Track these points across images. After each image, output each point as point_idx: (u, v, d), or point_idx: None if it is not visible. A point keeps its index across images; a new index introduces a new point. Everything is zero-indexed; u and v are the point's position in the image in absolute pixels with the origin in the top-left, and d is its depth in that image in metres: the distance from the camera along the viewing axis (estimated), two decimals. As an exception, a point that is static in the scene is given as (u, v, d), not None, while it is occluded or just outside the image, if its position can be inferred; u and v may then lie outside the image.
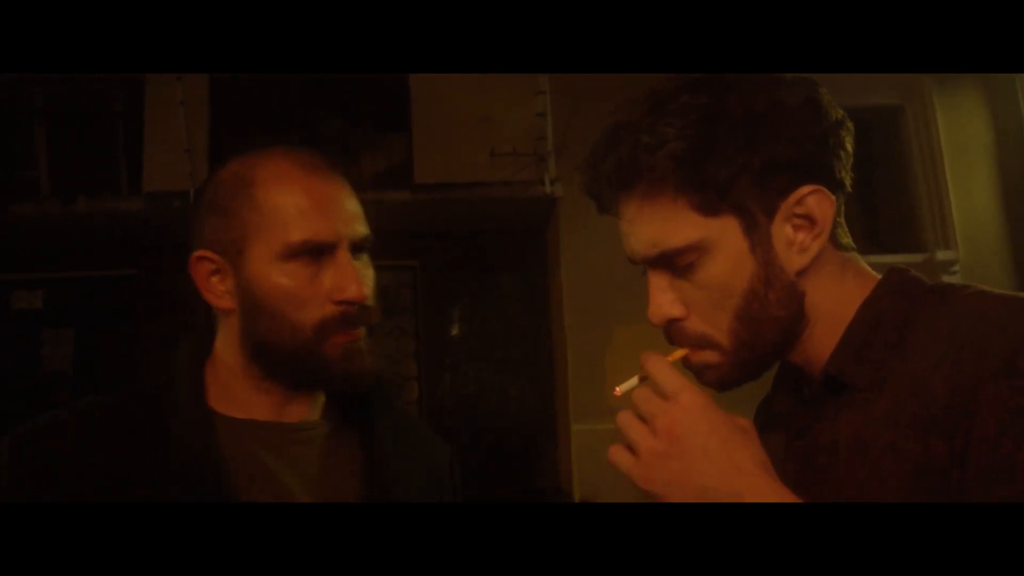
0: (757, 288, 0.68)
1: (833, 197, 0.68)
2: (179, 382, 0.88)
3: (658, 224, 0.69)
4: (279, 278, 0.82)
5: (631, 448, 0.68)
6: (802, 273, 0.69)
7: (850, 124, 0.70)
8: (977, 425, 0.57)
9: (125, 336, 7.22)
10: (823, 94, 0.69)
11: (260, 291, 0.83)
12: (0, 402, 7.07)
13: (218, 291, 0.87)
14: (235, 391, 0.89)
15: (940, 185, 6.76)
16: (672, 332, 0.74)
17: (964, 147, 6.90)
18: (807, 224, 0.68)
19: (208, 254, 0.87)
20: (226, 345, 0.91)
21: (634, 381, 0.74)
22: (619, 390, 0.76)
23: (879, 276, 0.72)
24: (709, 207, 0.67)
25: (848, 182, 0.70)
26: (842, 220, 0.72)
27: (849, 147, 0.70)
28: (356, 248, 0.89)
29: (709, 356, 0.72)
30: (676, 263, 0.69)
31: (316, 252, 0.83)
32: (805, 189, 0.67)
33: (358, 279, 0.84)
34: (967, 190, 6.83)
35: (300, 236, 0.81)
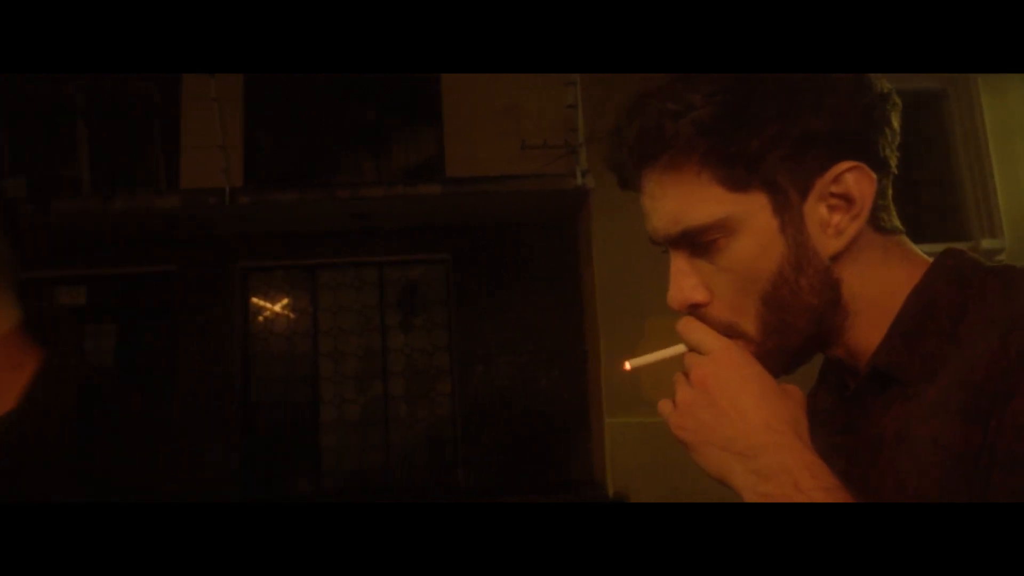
0: (786, 272, 0.62)
1: (874, 175, 0.62)
2: None
3: (681, 199, 0.63)
4: None
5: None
6: (837, 258, 0.63)
7: (897, 99, 0.64)
8: (1012, 407, 0.52)
9: (165, 331, 7.38)
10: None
11: None
12: (46, 395, 7.29)
13: None
14: None
15: (985, 171, 6.57)
16: (688, 318, 0.69)
17: (1010, 132, 6.69)
18: (844, 204, 0.62)
19: None
20: None
21: (651, 356, 0.72)
22: (629, 364, 0.73)
23: (930, 260, 0.65)
24: (736, 182, 0.61)
25: (893, 162, 0.64)
26: (888, 202, 0.66)
27: (895, 124, 0.64)
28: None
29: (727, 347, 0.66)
30: (699, 242, 0.64)
31: None
32: (843, 165, 0.61)
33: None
34: (1013, 176, 6.62)
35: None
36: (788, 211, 0.62)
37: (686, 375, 0.67)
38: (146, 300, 7.55)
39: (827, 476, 0.59)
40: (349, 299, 7.57)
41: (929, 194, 6.78)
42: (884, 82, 0.64)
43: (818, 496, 0.57)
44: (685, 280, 0.67)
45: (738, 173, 0.61)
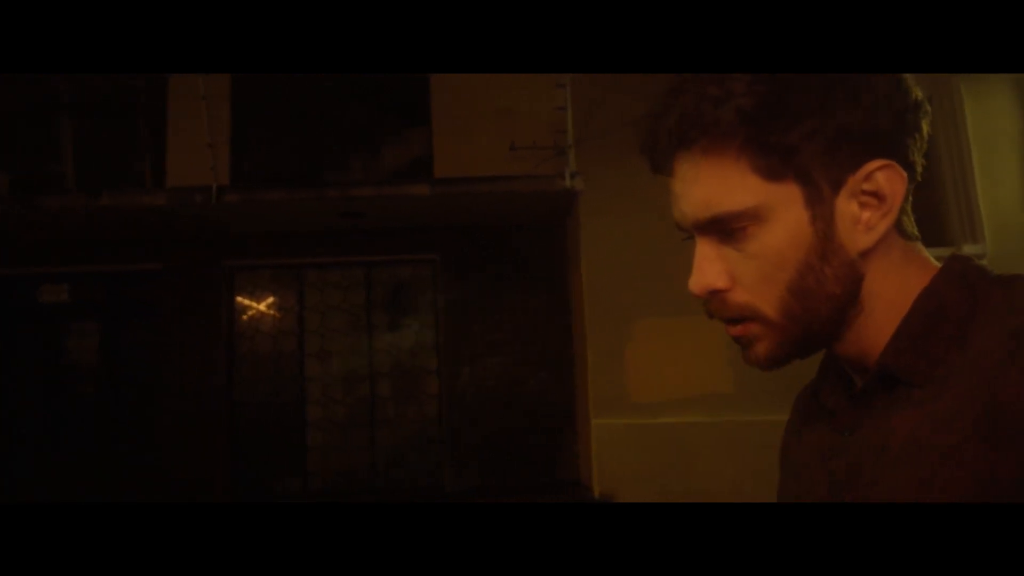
0: (813, 261, 0.63)
1: (905, 175, 0.64)
2: None
3: (715, 185, 0.63)
4: None
5: None
6: (866, 254, 0.64)
7: (928, 107, 0.66)
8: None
9: (150, 330, 7.33)
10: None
11: None
12: (26, 393, 7.21)
13: None
14: None
15: (967, 177, 6.65)
16: (712, 304, 0.68)
17: (992, 138, 6.77)
18: (875, 201, 0.63)
19: None
20: None
21: None
22: None
23: (936, 263, 0.67)
24: (772, 172, 0.62)
25: (919, 168, 0.66)
26: (909, 208, 0.67)
27: (925, 131, 0.66)
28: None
29: (753, 328, 0.66)
30: (728, 229, 0.64)
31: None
32: (876, 163, 0.62)
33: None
34: (995, 182, 6.70)
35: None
36: (820, 204, 0.63)
37: None
38: (131, 298, 7.49)
39: None
40: (336, 299, 7.55)
41: (912, 199, 6.84)
42: (918, 90, 0.65)
43: None
44: (710, 266, 0.66)
45: (774, 163, 0.62)
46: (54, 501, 5.25)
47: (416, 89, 7.18)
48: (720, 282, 0.66)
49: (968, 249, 6.39)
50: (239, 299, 7.59)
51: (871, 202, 0.63)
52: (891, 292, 0.66)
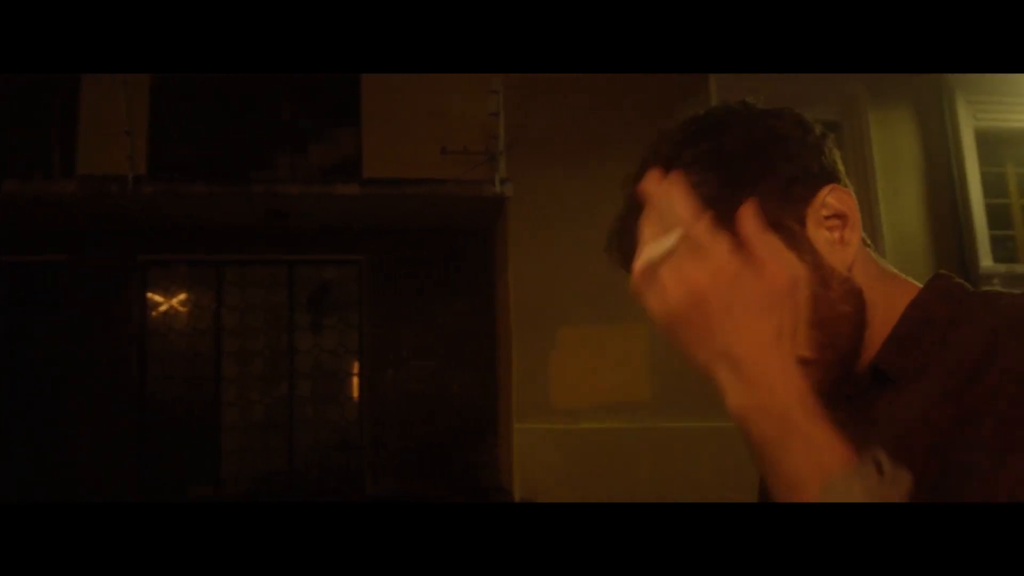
0: (817, 291, 0.68)
1: (850, 190, 0.71)
2: None
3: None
4: None
5: None
6: (852, 268, 0.70)
7: (831, 136, 0.75)
8: (987, 379, 0.60)
9: (56, 325, 6.94)
10: (802, 114, 0.73)
11: None
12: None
13: None
14: None
15: (871, 200, 7.03)
16: None
17: (896, 164, 7.20)
18: (838, 221, 0.71)
19: None
20: None
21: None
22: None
23: (906, 276, 0.75)
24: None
25: (849, 186, 0.74)
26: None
27: (838, 155, 0.74)
28: None
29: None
30: None
31: None
32: (824, 191, 0.70)
33: None
34: (897, 207, 7.13)
35: None
36: (798, 241, 0.69)
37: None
38: (36, 292, 7.08)
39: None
40: (257, 297, 7.34)
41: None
42: (818, 125, 0.74)
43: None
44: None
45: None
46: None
47: (346, 87, 7.08)
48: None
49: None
50: (152, 295, 7.29)
51: (835, 223, 0.71)
52: (880, 302, 0.72)
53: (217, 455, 7.03)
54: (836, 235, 0.70)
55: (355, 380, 7.34)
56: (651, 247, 0.65)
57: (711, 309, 0.63)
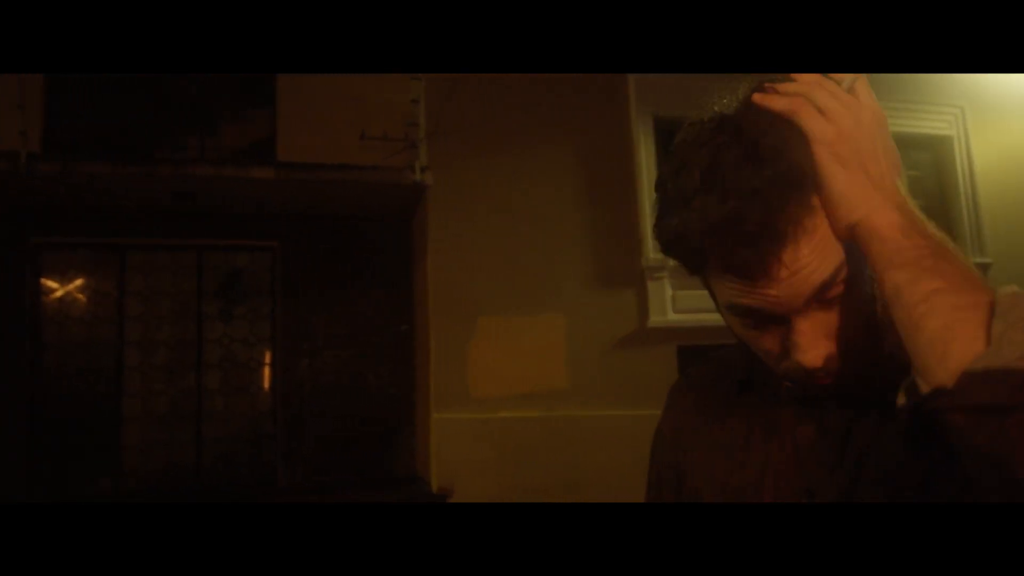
0: (877, 291, 0.67)
1: None
2: None
3: (807, 256, 0.65)
4: None
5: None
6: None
7: None
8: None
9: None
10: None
11: None
12: None
13: None
14: None
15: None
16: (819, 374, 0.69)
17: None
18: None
19: None
20: None
21: None
22: None
23: None
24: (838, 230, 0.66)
25: None
26: None
27: None
28: None
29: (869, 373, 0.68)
30: (826, 297, 0.66)
31: None
32: None
33: None
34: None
35: None
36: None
37: None
38: (-89, 274, 6.54)
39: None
40: (163, 284, 7.02)
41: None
42: None
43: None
44: (820, 340, 0.68)
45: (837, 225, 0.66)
46: None
47: (261, 67, 6.82)
48: (834, 348, 0.68)
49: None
50: (46, 281, 6.86)
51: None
52: None
53: (117, 448, 6.70)
54: None
55: (267, 370, 7.14)
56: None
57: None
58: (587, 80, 6.70)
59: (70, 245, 6.85)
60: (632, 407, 6.53)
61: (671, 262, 5.72)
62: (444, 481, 6.07)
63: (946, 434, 0.57)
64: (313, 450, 6.88)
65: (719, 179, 0.63)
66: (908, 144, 7.61)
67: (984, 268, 7.70)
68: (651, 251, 6.76)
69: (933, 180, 7.95)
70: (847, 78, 0.67)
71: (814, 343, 0.67)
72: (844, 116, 0.64)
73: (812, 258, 0.65)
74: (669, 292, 6.81)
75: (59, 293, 6.91)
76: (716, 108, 0.69)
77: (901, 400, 0.61)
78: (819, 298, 0.66)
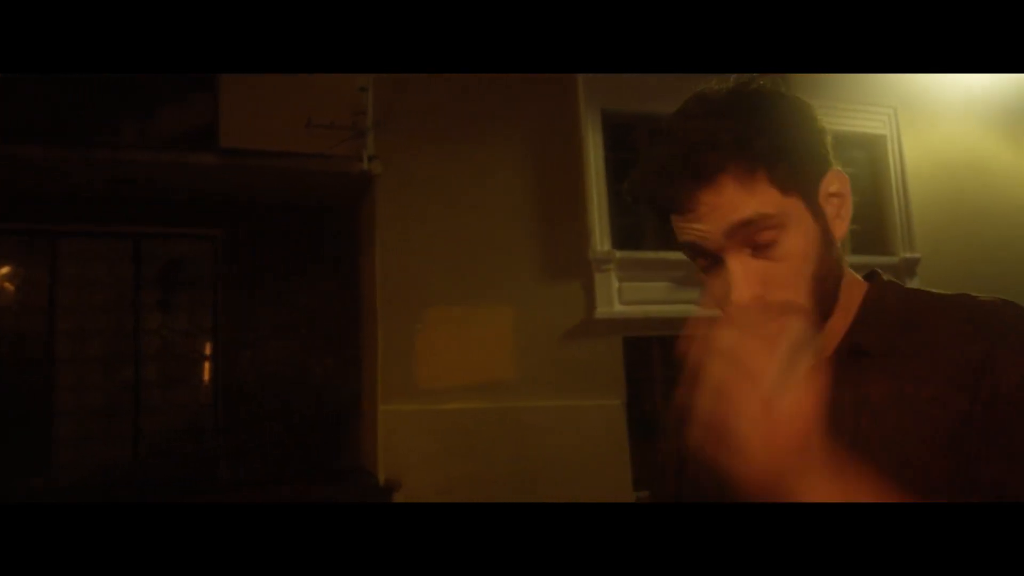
0: (823, 251, 0.81)
1: (846, 175, 0.86)
2: None
3: (742, 196, 0.77)
4: None
5: None
6: (839, 240, 0.85)
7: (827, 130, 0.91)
8: (1001, 381, 0.74)
9: None
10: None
11: None
12: None
13: None
14: None
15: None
16: (753, 311, 0.77)
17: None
18: (838, 200, 0.85)
19: None
20: None
21: None
22: None
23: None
24: (784, 185, 0.79)
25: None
26: None
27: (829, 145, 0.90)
28: None
29: (794, 324, 0.75)
30: (757, 241, 0.78)
31: None
32: (832, 172, 0.85)
33: None
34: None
35: None
36: (815, 208, 0.82)
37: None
38: None
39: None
40: (99, 273, 6.78)
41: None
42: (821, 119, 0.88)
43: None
44: (749, 277, 0.79)
45: (783, 175, 0.79)
46: None
47: (203, 50, 6.63)
48: (760, 288, 0.79)
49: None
50: (-28, 268, 6.55)
51: (835, 201, 0.85)
52: (845, 286, 0.87)
53: (48, 443, 6.45)
54: (838, 210, 0.85)
55: (208, 362, 6.97)
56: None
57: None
58: (537, 74, 6.72)
59: (-3, 231, 6.55)
60: (579, 398, 6.61)
61: (618, 254, 5.83)
62: (391, 474, 6.04)
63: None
64: (256, 444, 6.75)
65: (664, 133, 0.80)
66: (845, 142, 7.85)
67: (913, 263, 8.03)
68: (598, 243, 6.84)
69: (868, 177, 8.24)
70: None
71: (747, 284, 0.79)
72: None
73: (733, 197, 0.77)
74: (616, 284, 6.90)
75: (-15, 281, 6.60)
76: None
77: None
78: (747, 240, 0.79)
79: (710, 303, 0.84)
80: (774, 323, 0.77)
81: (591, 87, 7.05)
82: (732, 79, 0.84)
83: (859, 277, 0.93)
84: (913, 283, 7.96)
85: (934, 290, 0.89)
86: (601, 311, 6.76)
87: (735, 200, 0.77)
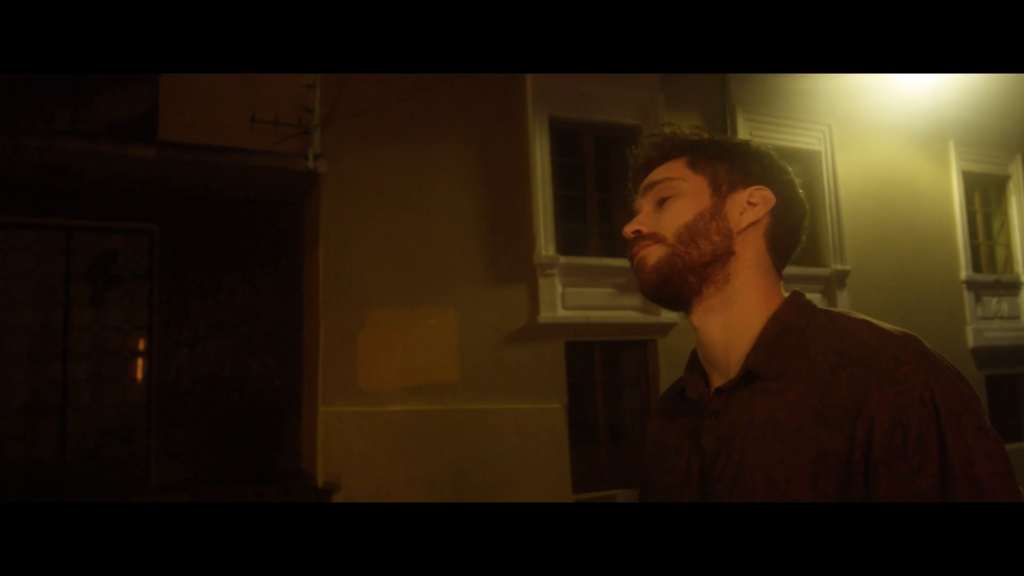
0: (705, 215, 0.99)
1: (772, 196, 1.01)
2: None
3: (667, 168, 1.04)
4: None
5: None
6: (740, 235, 0.99)
7: (785, 167, 1.13)
8: (877, 421, 0.79)
9: None
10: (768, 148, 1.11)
11: None
12: None
13: None
14: None
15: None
16: (633, 241, 1.01)
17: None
18: (751, 207, 1.00)
19: None
20: None
21: None
22: None
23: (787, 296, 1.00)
24: (695, 167, 1.02)
25: (797, 208, 1.07)
26: (786, 249, 1.04)
27: (787, 177, 1.11)
28: None
29: (655, 249, 0.98)
30: (661, 198, 1.02)
31: None
32: (754, 187, 1.01)
33: None
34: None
35: None
36: (718, 194, 1.01)
37: None
38: None
39: None
40: (26, 265, 6.50)
41: (793, 246, 7.69)
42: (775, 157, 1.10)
43: None
44: (642, 219, 1.02)
45: (700, 163, 1.03)
46: None
47: (143, 39, 6.43)
48: (643, 228, 1.01)
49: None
50: None
51: (749, 207, 1.00)
52: (752, 299, 0.97)
53: (-33, 443, 6.15)
54: (748, 208, 1.00)
55: (142, 360, 6.75)
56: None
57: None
58: (486, 76, 6.74)
59: (-85, 219, 6.23)
60: (521, 400, 6.64)
61: (562, 259, 5.93)
62: (330, 475, 5.96)
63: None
64: (191, 445, 6.58)
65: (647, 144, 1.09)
66: (784, 157, 8.09)
67: (844, 275, 8.35)
68: (543, 248, 6.90)
69: (804, 191, 8.52)
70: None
71: (636, 222, 1.03)
72: None
73: (662, 171, 1.05)
74: (559, 289, 6.97)
75: (-99, 272, 6.26)
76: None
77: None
78: (654, 197, 1.04)
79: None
80: (642, 247, 1.00)
81: (539, 93, 7.11)
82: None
83: (784, 294, 1.00)
84: (843, 294, 8.28)
85: (853, 313, 0.94)
86: (544, 316, 6.82)
87: (660, 171, 1.04)
